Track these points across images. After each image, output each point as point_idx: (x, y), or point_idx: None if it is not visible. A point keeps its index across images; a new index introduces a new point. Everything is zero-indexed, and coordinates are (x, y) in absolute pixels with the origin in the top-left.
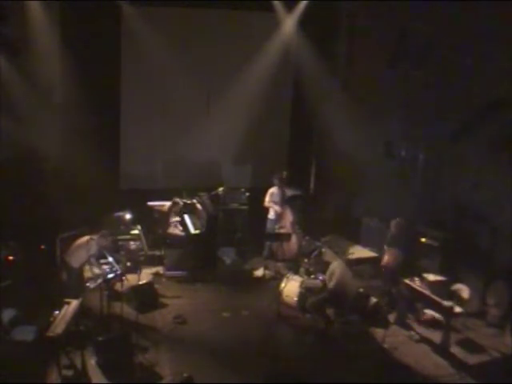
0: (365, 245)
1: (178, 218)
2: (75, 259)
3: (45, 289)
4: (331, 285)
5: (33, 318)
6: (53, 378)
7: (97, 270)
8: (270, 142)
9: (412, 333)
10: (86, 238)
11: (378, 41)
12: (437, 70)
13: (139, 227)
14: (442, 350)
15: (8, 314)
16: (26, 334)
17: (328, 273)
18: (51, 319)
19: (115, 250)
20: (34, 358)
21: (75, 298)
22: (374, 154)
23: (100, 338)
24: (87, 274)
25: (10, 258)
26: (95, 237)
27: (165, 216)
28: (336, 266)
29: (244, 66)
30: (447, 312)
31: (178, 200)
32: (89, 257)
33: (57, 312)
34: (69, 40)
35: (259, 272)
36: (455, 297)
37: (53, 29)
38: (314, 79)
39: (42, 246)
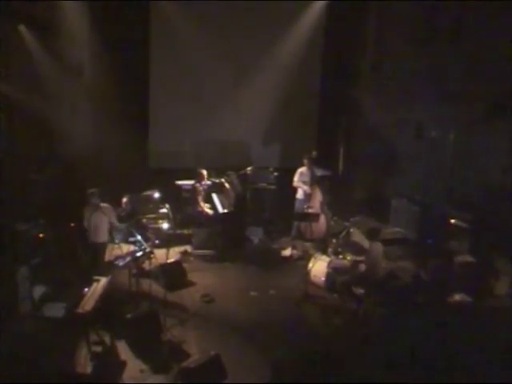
0: (393, 226)
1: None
2: (100, 233)
3: (74, 266)
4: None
5: (63, 294)
6: (82, 354)
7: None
8: (298, 122)
9: (439, 314)
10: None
11: (408, 20)
12: (467, 48)
13: (167, 206)
14: (468, 331)
15: (39, 290)
16: (55, 310)
17: (369, 254)
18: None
19: (144, 228)
20: (63, 335)
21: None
22: (404, 135)
23: (128, 316)
24: (116, 251)
25: (41, 235)
26: (106, 204)
27: (193, 195)
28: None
29: (273, 47)
30: (476, 294)
31: (202, 171)
32: (110, 224)
33: (86, 289)
34: (98, 20)
35: (287, 252)
36: (484, 278)
37: (82, 9)
38: (343, 59)
39: (72, 224)
